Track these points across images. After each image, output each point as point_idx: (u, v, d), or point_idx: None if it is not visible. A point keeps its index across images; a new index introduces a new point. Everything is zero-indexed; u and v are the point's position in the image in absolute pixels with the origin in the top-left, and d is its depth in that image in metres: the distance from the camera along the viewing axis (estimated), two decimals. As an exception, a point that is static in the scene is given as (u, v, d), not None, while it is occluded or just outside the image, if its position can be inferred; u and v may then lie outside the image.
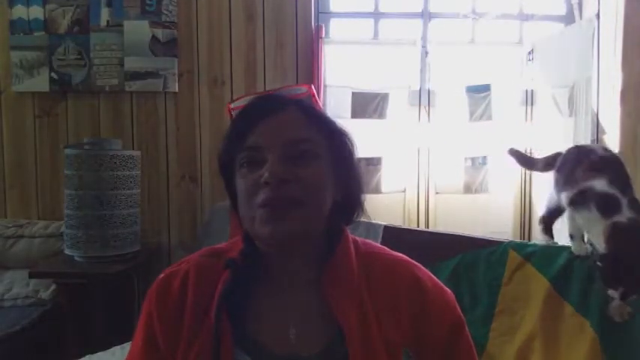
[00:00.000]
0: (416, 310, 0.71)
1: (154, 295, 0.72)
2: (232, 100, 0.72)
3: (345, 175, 0.73)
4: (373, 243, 0.80)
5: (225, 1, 2.32)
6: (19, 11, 2.28)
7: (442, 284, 0.77)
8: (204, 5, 2.32)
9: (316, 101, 0.76)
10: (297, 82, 2.35)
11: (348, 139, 0.75)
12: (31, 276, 1.94)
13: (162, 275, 0.74)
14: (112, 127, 2.35)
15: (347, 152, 0.74)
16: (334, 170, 0.71)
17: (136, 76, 2.30)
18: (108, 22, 2.29)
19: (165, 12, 2.29)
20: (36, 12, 2.28)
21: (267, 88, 2.35)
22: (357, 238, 0.77)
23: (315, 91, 0.73)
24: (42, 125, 2.36)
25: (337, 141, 0.73)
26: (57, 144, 2.34)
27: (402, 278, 0.73)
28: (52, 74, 2.30)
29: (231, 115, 0.78)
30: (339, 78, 2.32)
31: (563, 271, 1.35)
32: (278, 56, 2.35)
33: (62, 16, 2.29)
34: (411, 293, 0.72)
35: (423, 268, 0.77)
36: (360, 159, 0.77)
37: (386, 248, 0.79)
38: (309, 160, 0.67)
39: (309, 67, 2.33)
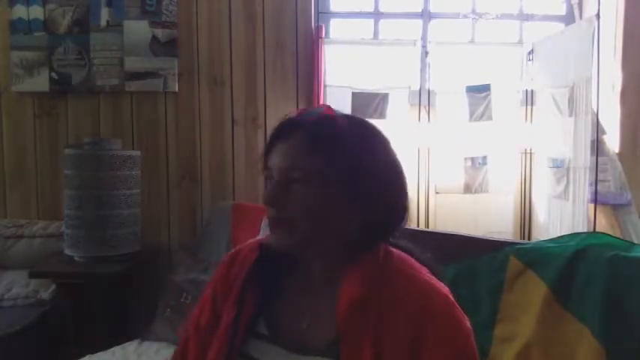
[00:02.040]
0: (417, 335, 0.71)
1: (222, 266, 0.86)
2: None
3: (365, 196, 0.75)
4: (407, 258, 0.81)
5: (225, 1, 2.32)
6: (19, 11, 2.28)
7: (462, 320, 0.74)
8: (204, 5, 2.32)
9: (337, 122, 0.77)
10: (296, 82, 2.35)
11: (369, 171, 0.76)
12: (31, 276, 1.94)
13: (233, 251, 0.88)
14: (112, 127, 2.35)
15: (363, 174, 0.75)
16: (349, 192, 0.74)
17: (136, 76, 2.30)
18: (108, 22, 2.29)
19: (165, 12, 2.29)
20: (36, 12, 2.28)
21: (267, 89, 2.36)
22: (400, 255, 0.81)
23: (333, 111, 0.73)
24: (42, 125, 2.36)
25: (351, 165, 0.75)
26: (57, 144, 2.34)
27: (414, 302, 0.73)
28: (52, 74, 2.30)
29: None
30: (339, 78, 2.32)
31: (563, 276, 1.34)
32: (278, 56, 2.35)
33: (62, 16, 2.29)
34: (417, 319, 0.72)
35: (448, 300, 0.75)
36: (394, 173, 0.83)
37: (422, 269, 0.79)
38: (299, 186, 0.74)
39: (309, 67, 2.33)
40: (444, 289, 0.76)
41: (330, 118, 0.76)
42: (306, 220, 0.74)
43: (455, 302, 0.76)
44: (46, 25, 2.29)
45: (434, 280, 0.78)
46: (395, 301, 0.74)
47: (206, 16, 2.33)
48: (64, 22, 2.29)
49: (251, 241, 0.88)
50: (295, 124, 0.76)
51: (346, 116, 0.80)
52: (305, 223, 0.74)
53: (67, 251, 1.98)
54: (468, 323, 0.75)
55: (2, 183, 2.38)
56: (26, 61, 2.29)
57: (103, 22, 2.29)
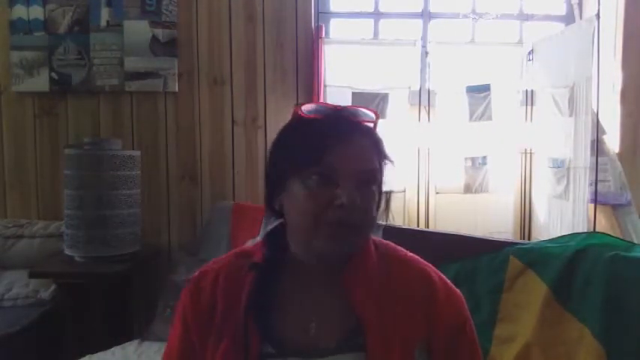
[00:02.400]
0: (428, 308, 0.75)
1: (188, 294, 0.79)
2: (300, 104, 0.71)
3: (381, 194, 0.79)
4: (389, 243, 0.84)
5: (225, 1, 2.32)
6: (19, 11, 2.28)
7: (452, 284, 0.81)
8: (204, 5, 2.32)
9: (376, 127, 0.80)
10: (296, 82, 2.35)
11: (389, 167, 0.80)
12: (31, 276, 1.94)
13: (195, 274, 0.81)
14: (112, 127, 2.35)
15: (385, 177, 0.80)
16: (380, 193, 0.77)
17: (136, 76, 2.30)
18: (108, 22, 2.29)
19: (165, 12, 2.29)
20: (36, 12, 2.28)
21: (267, 89, 2.36)
22: (375, 238, 0.82)
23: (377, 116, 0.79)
24: (42, 125, 2.36)
25: (385, 168, 0.78)
26: (57, 144, 2.34)
27: (416, 278, 0.78)
28: (52, 74, 2.30)
29: (299, 119, 0.76)
30: (339, 78, 2.32)
31: (563, 276, 1.35)
32: (278, 56, 2.35)
33: (62, 16, 2.29)
34: (424, 292, 0.77)
35: (434, 268, 0.81)
36: None
37: (400, 248, 0.84)
38: (371, 188, 0.73)
39: (309, 67, 2.33)
40: (428, 263, 0.82)
41: (376, 123, 0.78)
42: (371, 224, 0.75)
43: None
44: (46, 25, 2.29)
45: (415, 255, 0.83)
46: (402, 282, 0.77)
47: (206, 16, 2.33)
48: (64, 22, 2.29)
49: (214, 263, 0.81)
50: (360, 125, 0.76)
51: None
52: (370, 227, 0.75)
53: (67, 251, 1.98)
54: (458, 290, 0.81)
55: (2, 183, 2.38)
56: (26, 61, 2.29)
57: (103, 22, 2.29)
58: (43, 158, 2.37)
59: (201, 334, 0.75)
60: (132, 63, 2.29)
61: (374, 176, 0.74)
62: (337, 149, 0.71)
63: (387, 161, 0.78)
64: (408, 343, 0.73)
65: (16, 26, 2.29)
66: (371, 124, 0.77)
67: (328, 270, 0.77)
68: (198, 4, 2.32)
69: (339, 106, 0.77)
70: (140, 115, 2.35)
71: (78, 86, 2.31)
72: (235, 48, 2.34)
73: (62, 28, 2.29)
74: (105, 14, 2.28)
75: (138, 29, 2.28)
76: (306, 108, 0.75)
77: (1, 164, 2.38)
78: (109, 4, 2.28)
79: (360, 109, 0.77)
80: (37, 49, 2.29)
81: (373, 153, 0.75)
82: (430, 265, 0.82)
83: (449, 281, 0.81)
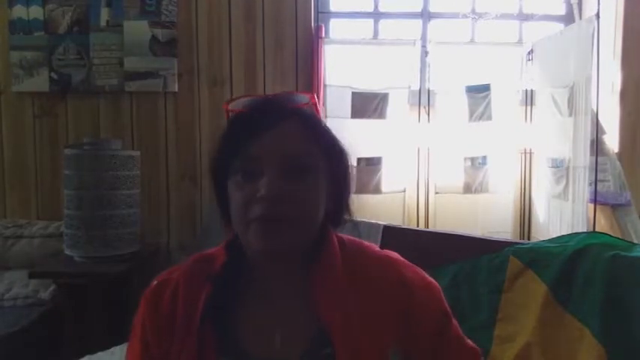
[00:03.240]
0: (401, 307, 0.70)
1: (145, 304, 0.73)
2: (229, 100, 0.66)
3: (339, 187, 0.73)
4: (358, 241, 0.78)
5: (224, 1, 2.32)
6: (19, 11, 2.28)
7: (429, 278, 0.75)
8: (203, 5, 2.32)
9: (318, 111, 0.76)
10: (296, 82, 2.35)
11: (345, 152, 0.74)
12: (31, 276, 1.93)
13: (154, 283, 0.75)
14: (112, 127, 2.35)
15: (343, 166, 0.73)
16: (330, 183, 0.70)
17: (136, 76, 2.30)
18: (108, 22, 2.29)
19: (164, 12, 2.29)
20: (35, 12, 2.28)
21: (267, 89, 2.35)
22: (344, 237, 0.77)
23: (317, 99, 0.71)
24: (42, 125, 2.36)
25: (335, 155, 0.72)
26: (57, 144, 2.34)
27: (386, 277, 0.72)
28: (52, 74, 2.30)
29: (229, 115, 0.72)
30: (339, 78, 2.32)
31: (563, 276, 1.35)
32: (278, 56, 2.35)
33: (62, 16, 2.29)
34: (396, 291, 0.71)
35: (407, 263, 0.76)
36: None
37: (372, 246, 0.78)
38: (306, 177, 0.66)
39: (308, 67, 2.33)
40: (400, 256, 0.77)
41: (314, 105, 0.72)
42: (310, 216, 0.67)
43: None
44: (46, 25, 2.29)
45: (387, 252, 0.77)
46: (371, 282, 0.71)
47: (206, 16, 2.33)
48: (64, 22, 2.29)
49: (171, 272, 0.76)
50: (285, 109, 0.69)
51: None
52: (308, 219, 0.67)
53: (67, 251, 1.98)
54: (434, 280, 0.76)
55: (2, 183, 2.38)
56: (26, 61, 2.29)
57: (103, 22, 2.28)
58: (43, 158, 2.37)
59: (162, 349, 0.70)
60: (132, 63, 2.29)
61: (306, 162, 0.66)
62: (260, 138, 0.66)
63: (333, 147, 0.71)
64: (381, 346, 0.68)
65: (16, 26, 2.29)
66: (303, 107, 0.71)
67: (289, 274, 0.71)
68: (198, 4, 2.32)
69: (270, 95, 0.73)
70: (140, 115, 2.35)
71: (78, 86, 2.31)
72: (235, 48, 2.34)
73: (62, 28, 2.29)
74: (104, 14, 2.28)
75: (138, 29, 2.28)
76: (233, 103, 0.71)
77: (0, 164, 2.37)
78: (108, 5, 2.28)
79: (292, 94, 0.72)
80: (36, 49, 2.29)
81: (303, 137, 0.67)
82: (402, 259, 0.76)
83: (425, 275, 0.75)
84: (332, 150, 0.71)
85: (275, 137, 0.66)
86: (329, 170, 0.70)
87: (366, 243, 0.78)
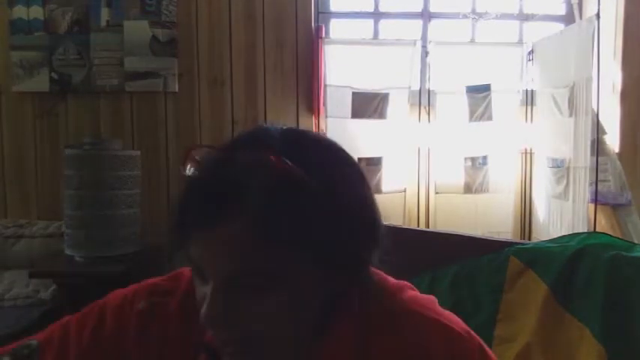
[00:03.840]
0: None
1: (136, 322, 0.60)
2: (192, 147, 0.54)
3: (338, 264, 0.52)
4: (386, 290, 0.58)
5: (224, 1, 2.32)
6: (19, 11, 2.28)
7: (465, 340, 0.55)
8: (204, 5, 2.32)
9: (292, 174, 0.47)
10: (297, 82, 2.35)
11: (346, 217, 0.50)
12: (31, 276, 1.94)
13: (143, 305, 0.61)
14: (112, 127, 2.35)
15: (341, 238, 0.50)
16: (326, 263, 0.50)
17: (136, 76, 2.30)
18: (108, 22, 2.29)
19: (165, 12, 2.29)
20: (36, 12, 2.28)
21: (267, 88, 2.35)
22: (373, 281, 0.57)
23: (279, 157, 0.47)
24: (42, 125, 2.36)
25: (326, 231, 0.48)
26: (57, 144, 2.34)
27: (409, 349, 0.53)
28: (52, 74, 2.30)
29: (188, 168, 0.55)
30: (340, 78, 2.32)
31: (563, 276, 1.34)
32: (278, 56, 2.35)
33: (62, 16, 2.28)
34: None
35: (448, 320, 0.56)
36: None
37: (403, 298, 0.57)
38: (261, 294, 0.48)
39: (309, 67, 2.33)
40: (465, 329, 0.55)
41: (282, 171, 0.47)
42: (282, 328, 0.51)
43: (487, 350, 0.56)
44: (46, 25, 2.29)
45: (447, 315, 0.56)
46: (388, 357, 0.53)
47: (206, 16, 2.33)
48: (64, 23, 2.29)
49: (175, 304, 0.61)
50: (231, 191, 0.47)
51: (297, 149, 0.50)
52: (282, 331, 0.51)
53: (68, 251, 1.98)
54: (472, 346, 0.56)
55: (2, 182, 2.38)
56: (26, 61, 2.29)
57: (103, 22, 2.28)
58: (43, 158, 2.37)
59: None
60: (132, 63, 2.29)
61: (259, 280, 0.48)
62: (197, 239, 0.50)
63: (317, 229, 0.47)
64: None
65: (17, 26, 2.29)
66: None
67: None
68: (198, 4, 2.32)
69: (226, 158, 0.50)
70: (140, 115, 2.35)
71: (78, 86, 2.31)
72: (235, 48, 2.34)
73: (62, 28, 2.29)
74: (105, 14, 2.28)
75: (138, 29, 2.28)
76: (191, 161, 0.53)
77: (1, 164, 2.37)
78: (108, 5, 2.28)
79: (253, 154, 0.48)
80: (37, 49, 2.29)
81: (255, 242, 0.46)
82: (440, 318, 0.55)
83: (463, 331, 0.55)
84: (321, 234, 0.48)
85: (216, 241, 0.48)
86: (319, 256, 0.49)
87: (395, 292, 0.58)
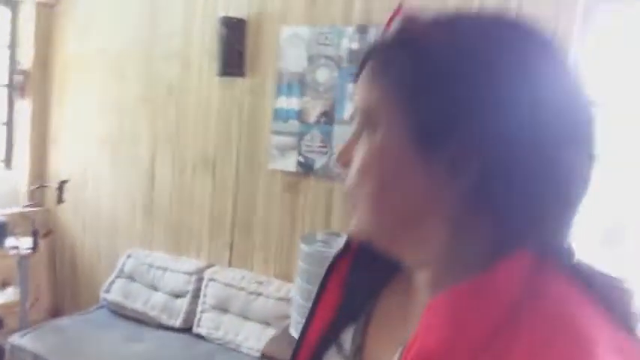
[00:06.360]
0: None
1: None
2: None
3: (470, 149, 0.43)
4: (563, 303, 0.42)
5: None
6: (281, 102, 2.61)
7: None
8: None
9: (415, 26, 0.46)
10: None
11: (477, 82, 0.43)
12: (261, 354, 2.20)
13: None
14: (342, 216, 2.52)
15: (466, 110, 0.43)
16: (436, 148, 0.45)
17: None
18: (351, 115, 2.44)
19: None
20: (294, 103, 2.58)
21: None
22: (565, 289, 0.43)
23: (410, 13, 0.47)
24: (285, 198, 2.68)
25: (437, 94, 0.44)
26: (297, 215, 2.63)
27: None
28: (299, 157, 2.58)
29: None
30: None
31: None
32: None
33: (312, 108, 2.53)
34: None
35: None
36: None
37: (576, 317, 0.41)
38: (365, 136, 0.49)
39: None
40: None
41: (408, 21, 0.47)
42: (366, 189, 0.48)
43: None
44: (300, 114, 2.57)
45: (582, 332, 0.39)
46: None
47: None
48: (314, 113, 2.53)
49: None
50: (369, 50, 0.51)
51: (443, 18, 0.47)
52: (367, 194, 0.48)
53: (292, 331, 2.20)
54: None
55: (252, 242, 2.80)
56: (281, 145, 2.63)
57: (347, 116, 2.45)
58: (283, 224, 2.68)
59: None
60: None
61: (365, 114, 0.49)
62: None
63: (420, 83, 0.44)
64: None
65: (277, 114, 2.63)
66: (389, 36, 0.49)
67: (434, 284, 0.48)
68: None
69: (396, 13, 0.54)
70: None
71: (318, 170, 2.54)
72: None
73: (312, 118, 2.54)
74: (348, 108, 2.44)
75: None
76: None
77: (252, 228, 2.80)
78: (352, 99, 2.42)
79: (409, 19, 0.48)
80: (290, 135, 2.60)
81: (368, 79, 0.49)
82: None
83: None
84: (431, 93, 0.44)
85: (357, 84, 0.52)
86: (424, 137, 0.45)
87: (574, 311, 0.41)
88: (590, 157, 0.44)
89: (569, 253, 0.46)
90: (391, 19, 0.53)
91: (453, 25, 0.46)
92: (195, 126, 2.91)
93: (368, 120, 0.49)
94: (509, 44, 0.44)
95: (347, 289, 0.59)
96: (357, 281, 0.59)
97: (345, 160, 0.52)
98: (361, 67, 0.51)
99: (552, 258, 0.44)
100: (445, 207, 0.45)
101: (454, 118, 0.43)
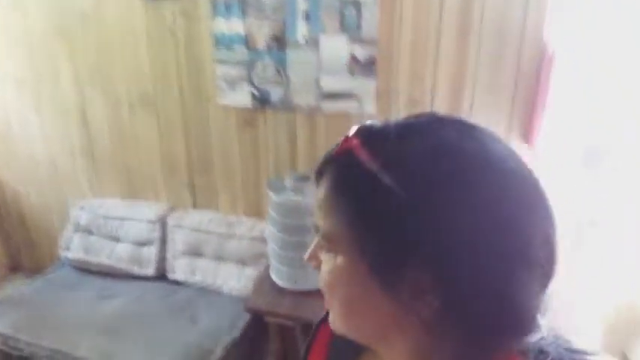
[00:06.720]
0: None
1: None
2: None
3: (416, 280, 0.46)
4: None
5: (434, 14, 1.94)
6: (220, 25, 2.23)
7: None
8: (408, 18, 1.98)
9: (373, 154, 0.48)
10: (512, 102, 1.99)
11: (427, 216, 0.44)
12: (246, 310, 2.14)
13: None
14: (308, 148, 2.33)
15: (425, 242, 0.44)
16: (386, 272, 0.48)
17: (332, 96, 2.17)
18: (305, 37, 2.12)
19: (365, 28, 2.02)
20: (235, 26, 2.20)
21: (473, 109, 2.04)
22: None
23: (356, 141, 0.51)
24: (244, 134, 2.44)
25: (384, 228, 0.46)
26: (258, 151, 2.43)
27: None
28: (253, 90, 2.29)
29: None
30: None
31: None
32: (493, 72, 1.97)
33: (259, 31, 2.18)
34: None
35: None
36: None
37: None
38: (327, 252, 0.53)
39: (531, 86, 1.93)
40: None
41: (352, 149, 0.50)
42: (334, 299, 0.54)
43: None
44: (246, 40, 2.21)
45: None
46: None
47: (410, 30, 2.00)
48: (262, 38, 2.18)
49: None
50: (324, 163, 0.54)
51: (396, 144, 0.48)
52: (336, 304, 0.53)
53: (275, 280, 2.14)
54: None
55: (215, 183, 2.61)
56: (229, 77, 2.31)
57: (301, 39, 2.13)
58: (247, 164, 2.50)
59: None
60: (328, 82, 2.15)
61: (325, 238, 0.52)
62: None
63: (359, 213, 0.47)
64: None
65: (219, 40, 2.26)
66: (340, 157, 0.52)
67: None
68: (403, 17, 1.99)
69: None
70: (335, 137, 2.27)
71: (276, 103, 2.28)
72: (441, 64, 2.02)
73: (260, 44, 2.20)
74: (302, 28, 2.11)
75: (335, 46, 2.08)
76: None
77: (211, 168, 2.59)
78: (306, 18, 2.09)
79: (353, 137, 0.51)
80: (238, 64, 2.27)
81: (320, 203, 0.53)
82: None
83: None
84: (384, 232, 0.46)
85: (315, 204, 0.55)
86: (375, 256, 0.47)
87: None
88: (545, 276, 0.46)
89: (538, 349, 0.48)
90: (344, 143, 0.52)
91: (402, 159, 0.46)
92: (123, 59, 2.49)
93: (329, 243, 0.52)
94: (458, 174, 0.45)
95: (332, 351, 0.63)
96: (342, 343, 0.60)
97: (315, 264, 0.55)
98: (317, 178, 0.54)
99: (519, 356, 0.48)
100: (411, 329, 0.48)
101: (405, 250, 0.45)
